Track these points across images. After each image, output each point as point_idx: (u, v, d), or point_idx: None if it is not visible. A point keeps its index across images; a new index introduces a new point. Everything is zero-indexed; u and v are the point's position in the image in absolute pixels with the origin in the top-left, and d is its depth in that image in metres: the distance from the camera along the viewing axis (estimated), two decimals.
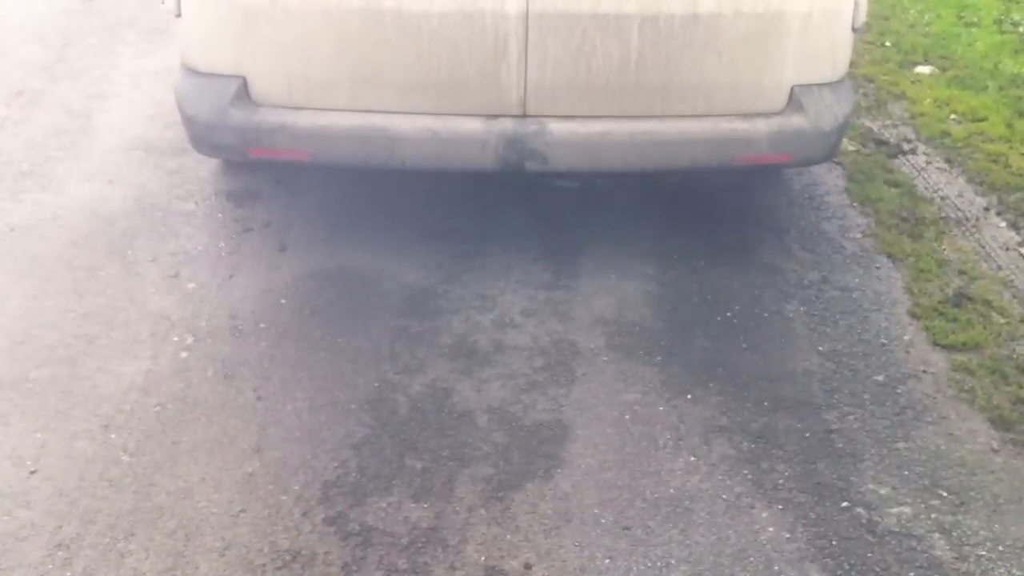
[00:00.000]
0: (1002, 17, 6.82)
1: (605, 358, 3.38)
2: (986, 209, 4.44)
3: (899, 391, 3.28)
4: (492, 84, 3.45)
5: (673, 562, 2.60)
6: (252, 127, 3.50)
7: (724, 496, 2.82)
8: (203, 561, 2.56)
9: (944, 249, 4.11)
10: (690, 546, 2.65)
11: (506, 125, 3.49)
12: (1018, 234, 4.24)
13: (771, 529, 2.72)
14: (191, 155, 4.29)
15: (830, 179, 4.65)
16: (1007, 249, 4.13)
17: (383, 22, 3.36)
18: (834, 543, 2.68)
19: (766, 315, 3.64)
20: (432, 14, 3.34)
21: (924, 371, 3.38)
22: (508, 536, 2.67)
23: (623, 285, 3.79)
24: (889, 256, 4.04)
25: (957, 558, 2.65)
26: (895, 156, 4.92)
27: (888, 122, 5.32)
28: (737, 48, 3.47)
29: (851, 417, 3.15)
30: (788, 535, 2.71)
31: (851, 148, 4.95)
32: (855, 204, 4.45)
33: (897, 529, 2.74)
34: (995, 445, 3.05)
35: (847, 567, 2.61)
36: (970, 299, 3.75)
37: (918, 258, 4.01)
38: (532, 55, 3.40)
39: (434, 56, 3.40)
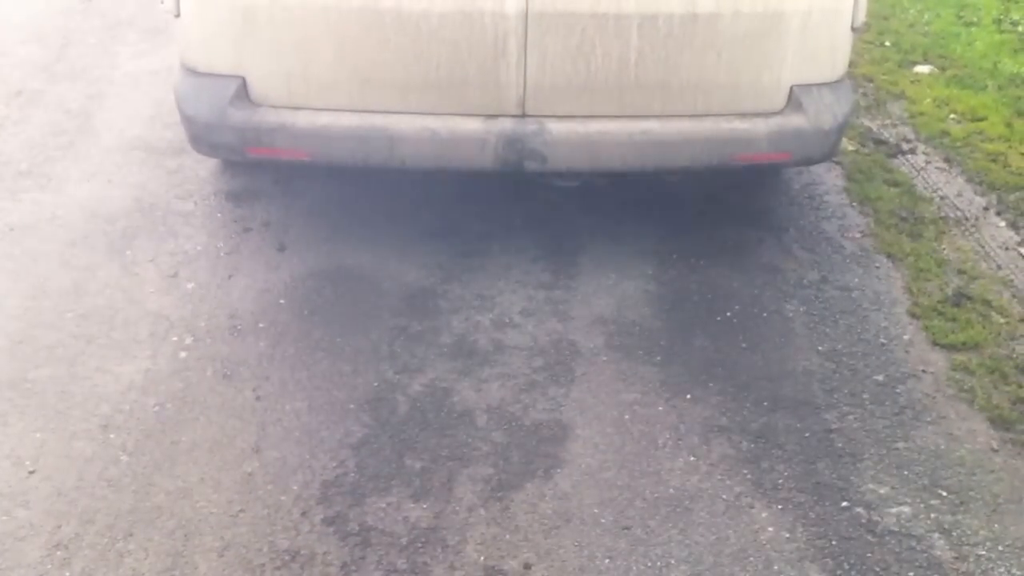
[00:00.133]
0: (1001, 17, 6.82)
1: (605, 358, 3.38)
2: (985, 208, 4.44)
3: (899, 391, 3.27)
4: (491, 84, 3.45)
5: (673, 562, 2.60)
6: (251, 127, 3.50)
7: (724, 496, 2.82)
8: (202, 561, 2.56)
9: (943, 249, 4.11)
10: (690, 546, 2.65)
11: (505, 125, 3.49)
12: (1017, 234, 4.24)
13: (771, 529, 2.72)
14: (190, 155, 4.29)
15: (829, 179, 4.65)
16: (1006, 248, 4.13)
17: (382, 22, 3.35)
18: (834, 543, 2.68)
19: (765, 315, 3.64)
20: (431, 14, 3.33)
21: (924, 371, 3.38)
22: (507, 536, 2.67)
23: (622, 285, 3.79)
24: (888, 256, 4.04)
25: (957, 558, 2.65)
26: (894, 156, 4.92)
27: (887, 122, 5.32)
28: (736, 48, 3.47)
29: (851, 417, 3.15)
30: (788, 535, 2.70)
31: (850, 148, 4.95)
32: (854, 204, 4.45)
33: (897, 529, 2.74)
34: (995, 445, 3.05)
35: (847, 567, 2.61)
36: (969, 299, 3.75)
37: (917, 258, 4.01)
38: (531, 55, 3.40)
39: (433, 56, 3.40)
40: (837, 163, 4.74)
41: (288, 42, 3.41)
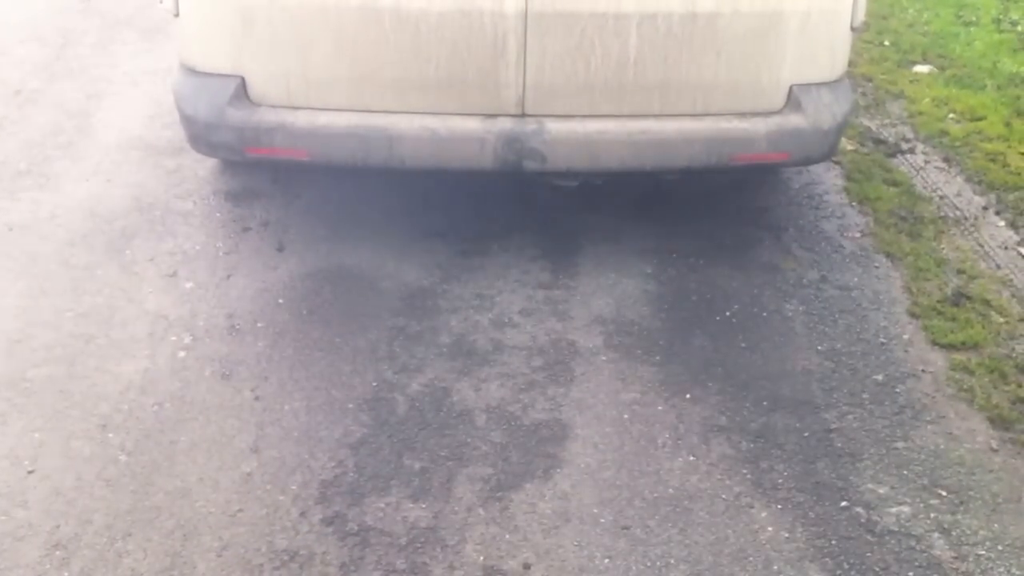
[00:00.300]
0: (1000, 16, 6.83)
1: (604, 357, 3.37)
2: (985, 208, 4.44)
3: (898, 390, 3.27)
4: (491, 83, 3.45)
5: (672, 562, 2.60)
6: (250, 126, 3.50)
7: (723, 496, 2.82)
8: (201, 561, 2.56)
9: (943, 248, 4.11)
10: (689, 546, 2.65)
11: (505, 124, 3.49)
12: (1017, 233, 4.24)
13: (770, 529, 2.72)
14: (189, 154, 4.29)
15: (829, 178, 4.65)
16: (1006, 248, 4.13)
17: (381, 21, 3.35)
18: (833, 543, 2.68)
19: (765, 314, 3.64)
20: (430, 13, 3.33)
21: (923, 370, 3.37)
22: (507, 536, 2.66)
23: (622, 284, 3.79)
24: (888, 255, 4.04)
25: (956, 557, 2.65)
26: (894, 155, 4.92)
27: (887, 121, 5.32)
28: (735, 47, 3.46)
29: (850, 416, 3.15)
30: (787, 535, 2.70)
31: (850, 147, 4.95)
32: (854, 203, 4.45)
33: (896, 528, 2.73)
34: (994, 444, 3.05)
35: (846, 567, 2.61)
36: (969, 298, 3.74)
37: (917, 257, 4.01)
38: (531, 54, 3.39)
39: (432, 55, 3.40)
40: (836, 163, 4.74)
41: (287, 41, 3.41)
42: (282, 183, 4.40)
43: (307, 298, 3.63)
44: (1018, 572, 2.61)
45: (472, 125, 3.49)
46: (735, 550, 2.64)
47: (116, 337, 3.39)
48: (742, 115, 3.59)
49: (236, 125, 3.50)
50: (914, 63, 6.10)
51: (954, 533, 2.73)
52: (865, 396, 3.24)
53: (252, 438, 2.97)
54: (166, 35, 5.89)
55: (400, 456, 2.92)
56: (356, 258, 3.89)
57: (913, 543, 2.69)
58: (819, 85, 3.63)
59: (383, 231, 4.07)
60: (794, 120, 3.59)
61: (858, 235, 4.20)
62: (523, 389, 3.21)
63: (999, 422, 3.13)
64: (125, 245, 3.93)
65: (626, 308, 3.65)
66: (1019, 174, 4.69)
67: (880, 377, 3.34)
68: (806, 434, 3.07)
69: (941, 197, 4.53)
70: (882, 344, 3.50)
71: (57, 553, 2.56)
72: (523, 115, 3.51)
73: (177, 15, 3.48)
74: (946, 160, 4.88)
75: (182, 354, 3.32)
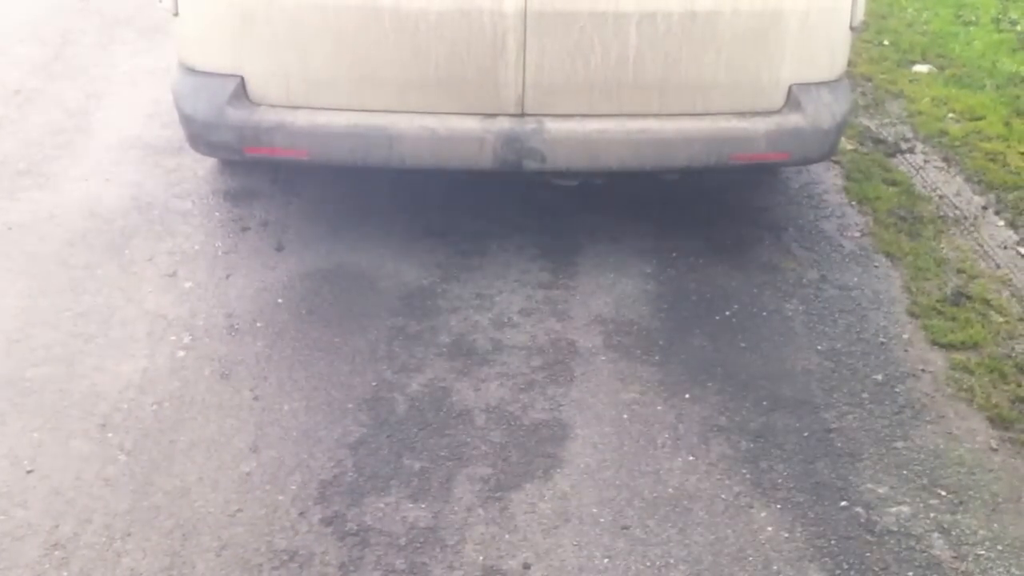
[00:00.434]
0: (1000, 16, 6.83)
1: (603, 357, 3.37)
2: (984, 208, 4.44)
3: (898, 390, 3.27)
4: (490, 82, 3.45)
5: (672, 561, 2.60)
6: (250, 126, 3.49)
7: (723, 495, 2.82)
8: (200, 561, 2.55)
9: (942, 248, 4.10)
10: (688, 545, 2.65)
11: (504, 124, 3.49)
12: (1016, 233, 4.24)
13: (770, 528, 2.72)
14: (189, 154, 4.28)
15: (828, 178, 4.65)
16: (1005, 248, 4.13)
17: (381, 20, 3.35)
18: (833, 542, 2.68)
19: (764, 314, 3.64)
20: (430, 12, 3.33)
21: (923, 370, 3.37)
22: (506, 536, 2.66)
23: (621, 284, 3.79)
24: (887, 255, 4.04)
25: (956, 557, 2.65)
26: (893, 155, 4.92)
27: (886, 121, 5.32)
28: (735, 46, 3.46)
29: (850, 416, 3.15)
30: (787, 534, 2.70)
31: (849, 147, 4.95)
32: (853, 203, 4.44)
33: (896, 528, 2.73)
34: (994, 444, 3.05)
35: (846, 567, 2.61)
36: (968, 298, 3.74)
37: (916, 257, 4.01)
38: (530, 53, 3.39)
39: (432, 54, 3.39)
40: (836, 162, 4.74)
41: (286, 41, 3.41)
42: (281, 183, 4.40)
43: (306, 298, 3.63)
44: (1018, 572, 2.61)
45: (471, 124, 3.49)
46: (734, 550, 2.64)
47: (115, 337, 3.39)
48: (741, 115, 3.59)
49: (235, 125, 3.50)
50: (913, 63, 6.10)
51: (954, 533, 2.72)
52: (865, 396, 3.24)
53: (251, 438, 2.96)
54: (165, 34, 5.88)
55: (399, 456, 2.91)
56: (355, 257, 3.89)
57: (913, 543, 2.69)
58: (818, 85, 3.63)
59: (382, 230, 4.06)
60: (794, 120, 3.59)
61: (858, 235, 4.19)
62: (523, 389, 3.21)
63: (999, 422, 3.13)
64: (124, 245, 3.93)
65: (625, 308, 3.65)
66: (1018, 173, 4.69)
67: (880, 377, 3.33)
68: (806, 434, 3.07)
69: (940, 197, 4.53)
70: (882, 344, 3.50)
71: (56, 553, 2.56)
72: (522, 114, 3.50)
73: (176, 14, 3.48)
74: (945, 160, 4.88)
75: (181, 354, 3.32)
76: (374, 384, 3.20)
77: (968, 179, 4.69)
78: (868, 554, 2.65)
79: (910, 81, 5.82)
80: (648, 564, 2.59)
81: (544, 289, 3.74)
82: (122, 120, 5.00)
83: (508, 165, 3.52)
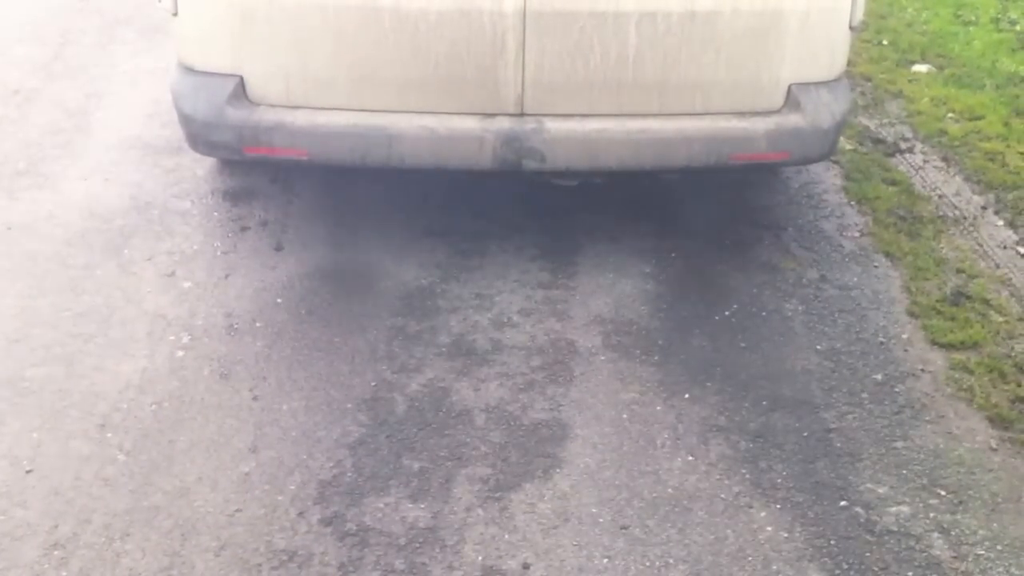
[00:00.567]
0: (999, 16, 6.82)
1: (603, 357, 3.37)
2: (984, 208, 4.44)
3: (897, 390, 3.27)
4: (490, 82, 3.44)
5: (671, 561, 2.60)
6: (249, 126, 3.49)
7: (722, 495, 2.82)
8: (199, 561, 2.55)
9: (942, 247, 4.10)
10: (688, 546, 2.65)
11: (504, 123, 3.49)
12: (1016, 232, 4.24)
13: (769, 528, 2.72)
14: (188, 154, 4.28)
15: (828, 177, 4.65)
16: (1005, 247, 4.13)
17: (380, 20, 3.35)
18: (832, 542, 2.68)
19: (764, 314, 3.64)
20: (430, 12, 3.33)
21: (922, 370, 3.37)
22: (506, 536, 2.66)
23: (621, 284, 3.79)
24: (887, 255, 4.04)
25: (955, 557, 2.65)
26: (893, 155, 4.92)
27: (886, 121, 5.31)
28: (735, 46, 3.46)
29: (849, 416, 3.15)
30: (786, 534, 2.70)
31: (849, 147, 4.94)
32: (853, 203, 4.44)
33: (895, 528, 2.73)
34: (993, 444, 3.05)
35: (845, 566, 2.61)
36: (968, 298, 3.74)
37: (916, 256, 4.01)
38: (530, 53, 3.39)
39: (432, 54, 3.39)
40: (835, 162, 4.74)
41: (286, 40, 3.41)
42: (281, 183, 4.39)
43: (305, 298, 3.63)
44: (1017, 572, 2.61)
45: (471, 124, 3.48)
46: (734, 550, 2.64)
47: (114, 337, 3.39)
48: (741, 114, 3.59)
49: (235, 124, 3.49)
50: (913, 62, 6.10)
51: (953, 533, 2.72)
52: (864, 396, 3.24)
53: (250, 438, 2.96)
54: (165, 34, 5.87)
55: (399, 456, 2.91)
56: (355, 257, 3.89)
57: (912, 543, 2.69)
58: (818, 84, 3.63)
59: (382, 230, 4.06)
60: (793, 119, 3.59)
61: (857, 234, 4.19)
62: (522, 389, 3.21)
63: (998, 421, 3.13)
64: (123, 244, 3.93)
65: (625, 308, 3.64)
66: (1018, 173, 4.68)
67: (879, 377, 3.33)
68: (805, 434, 3.07)
69: (940, 196, 4.53)
70: (881, 344, 3.50)
71: (56, 553, 2.56)
72: (522, 114, 3.50)
73: (176, 14, 3.47)
74: (945, 159, 4.88)
75: (180, 354, 3.32)
76: (373, 384, 3.20)
77: (967, 179, 4.69)
78: (868, 554, 2.65)
79: (909, 81, 5.82)
80: (648, 564, 2.58)
81: (544, 289, 3.74)
82: (121, 120, 5.00)
83: (508, 165, 3.52)
